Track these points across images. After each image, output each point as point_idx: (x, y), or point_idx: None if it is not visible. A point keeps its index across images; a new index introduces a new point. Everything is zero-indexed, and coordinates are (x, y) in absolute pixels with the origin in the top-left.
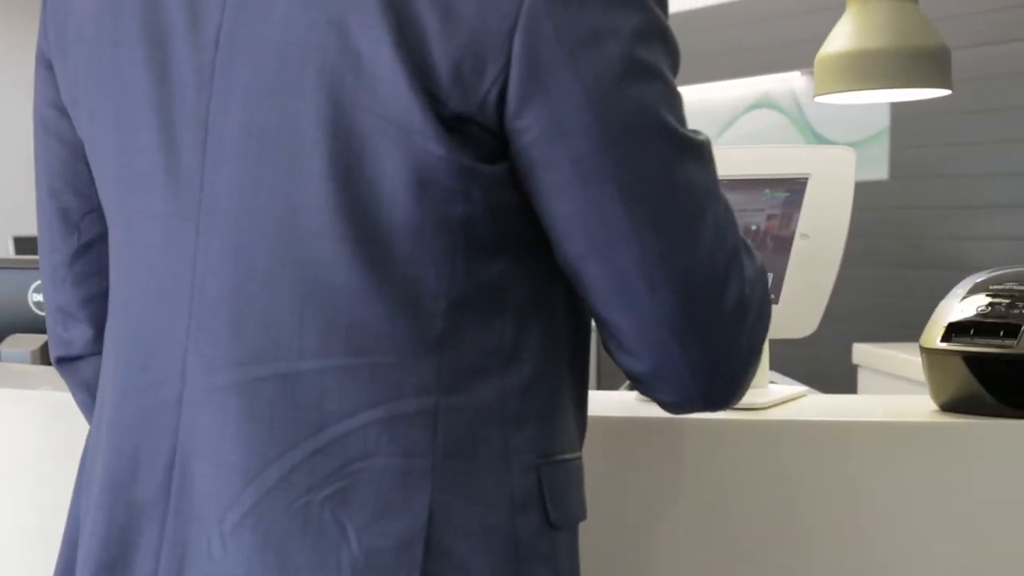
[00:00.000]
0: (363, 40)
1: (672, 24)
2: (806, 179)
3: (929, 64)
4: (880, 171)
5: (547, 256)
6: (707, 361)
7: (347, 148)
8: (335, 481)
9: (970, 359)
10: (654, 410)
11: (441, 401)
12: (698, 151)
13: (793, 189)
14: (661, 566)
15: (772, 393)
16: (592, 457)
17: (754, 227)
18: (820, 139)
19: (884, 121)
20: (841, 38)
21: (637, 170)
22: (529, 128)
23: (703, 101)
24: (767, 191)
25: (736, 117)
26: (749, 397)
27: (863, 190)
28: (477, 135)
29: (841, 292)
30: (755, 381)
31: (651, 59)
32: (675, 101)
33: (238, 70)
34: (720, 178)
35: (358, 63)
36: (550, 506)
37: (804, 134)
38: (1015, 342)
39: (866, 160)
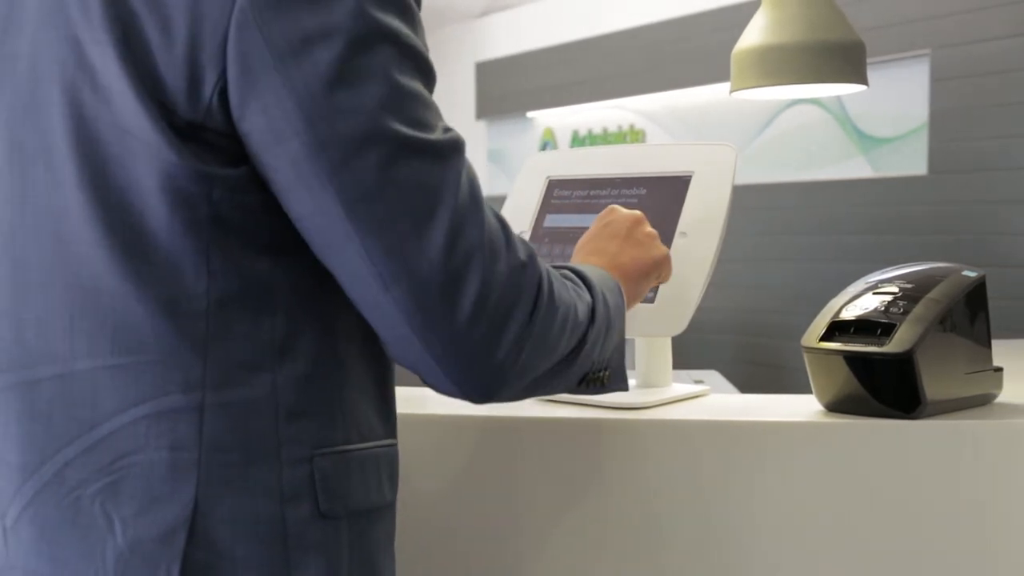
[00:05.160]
0: (95, 55)
1: (710, 21)
2: (689, 177)
3: (839, 59)
4: (919, 166)
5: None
6: (454, 357)
7: (94, 159)
8: (106, 476)
9: (850, 358)
10: (524, 408)
11: (208, 396)
12: (431, 151)
13: (676, 187)
14: (523, 563)
15: (663, 392)
16: (455, 456)
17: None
18: (861, 135)
19: (924, 115)
20: (754, 33)
21: (353, 173)
22: (251, 132)
23: (742, 98)
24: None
25: (777, 113)
26: (632, 396)
27: (902, 185)
28: (213, 140)
29: None
30: (654, 380)
31: (369, 63)
32: (403, 103)
33: (3, 86)
34: (604, 176)
35: (93, 77)
36: (321, 497)
37: (845, 129)
38: (888, 340)
39: (906, 155)
